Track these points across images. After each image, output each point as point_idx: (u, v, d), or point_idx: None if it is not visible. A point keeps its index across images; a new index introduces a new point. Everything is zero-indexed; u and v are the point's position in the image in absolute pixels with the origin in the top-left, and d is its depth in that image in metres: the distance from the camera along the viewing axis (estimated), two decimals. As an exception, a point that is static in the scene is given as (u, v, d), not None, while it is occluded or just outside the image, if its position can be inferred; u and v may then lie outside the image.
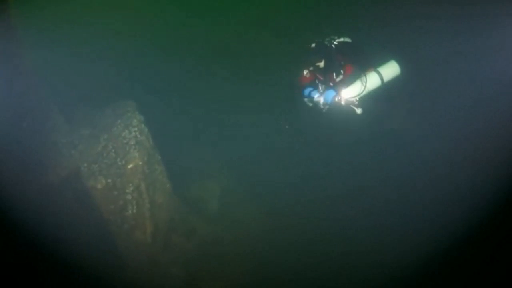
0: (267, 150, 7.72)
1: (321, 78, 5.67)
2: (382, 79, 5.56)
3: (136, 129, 6.05)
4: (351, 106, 5.48)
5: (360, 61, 5.57)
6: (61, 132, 5.99)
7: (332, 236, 7.07)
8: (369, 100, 5.57)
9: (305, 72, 5.65)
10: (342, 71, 5.55)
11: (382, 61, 5.72)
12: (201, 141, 7.13)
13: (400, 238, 6.44)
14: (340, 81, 5.53)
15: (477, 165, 6.11)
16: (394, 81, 5.71)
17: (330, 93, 5.42)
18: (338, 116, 5.53)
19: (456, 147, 6.36)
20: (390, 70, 5.68)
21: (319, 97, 5.53)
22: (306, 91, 5.58)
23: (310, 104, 5.62)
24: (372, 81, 5.50)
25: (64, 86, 5.90)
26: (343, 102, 5.43)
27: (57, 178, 5.76)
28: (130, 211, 5.95)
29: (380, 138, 6.90)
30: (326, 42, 5.65)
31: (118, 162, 5.89)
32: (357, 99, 5.49)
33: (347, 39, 5.75)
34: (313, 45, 5.56)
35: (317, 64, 5.53)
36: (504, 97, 5.92)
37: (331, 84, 5.55)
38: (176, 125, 6.81)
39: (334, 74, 5.55)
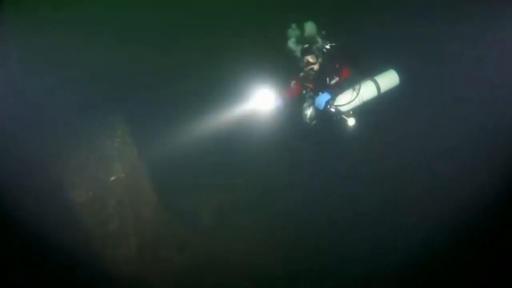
0: (265, 161, 7.43)
1: (311, 86, 5.26)
2: (378, 88, 5.14)
3: (119, 139, 5.86)
4: (343, 116, 5.02)
5: (355, 66, 5.13)
6: (44, 142, 5.81)
7: (332, 249, 6.73)
8: (365, 111, 5.18)
9: (292, 83, 5.29)
10: (335, 75, 5.13)
11: (379, 69, 5.36)
12: (193, 152, 6.84)
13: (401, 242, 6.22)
14: (335, 84, 5.09)
15: (480, 168, 5.83)
16: (393, 91, 5.30)
17: (324, 97, 4.94)
18: (328, 127, 5.17)
19: (459, 151, 6.04)
20: (388, 79, 5.26)
21: (307, 109, 5.15)
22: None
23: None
24: (367, 90, 5.09)
25: (48, 93, 5.71)
26: (333, 110, 4.96)
27: (38, 190, 5.58)
28: (112, 226, 5.72)
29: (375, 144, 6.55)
30: (318, 45, 5.30)
31: (100, 175, 5.67)
32: (350, 108, 5.03)
33: (341, 44, 5.37)
34: (306, 45, 5.23)
35: (311, 67, 5.14)
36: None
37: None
38: (165, 135, 6.55)
39: (328, 78, 5.12)
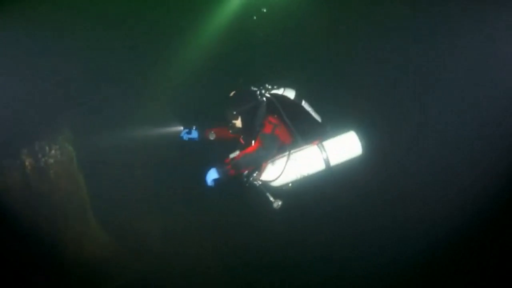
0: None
1: (242, 142, 4.08)
2: (327, 160, 3.74)
3: (58, 147, 5.40)
4: (267, 195, 3.76)
5: (297, 127, 3.85)
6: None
7: (332, 250, 6.51)
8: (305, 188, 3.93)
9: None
10: (253, 141, 3.81)
11: (336, 130, 3.99)
12: (143, 172, 6.53)
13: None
14: (231, 159, 3.70)
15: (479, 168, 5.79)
16: (351, 162, 3.91)
17: (211, 174, 3.55)
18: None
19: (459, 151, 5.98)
20: (344, 146, 3.82)
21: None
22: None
23: None
24: (309, 161, 3.73)
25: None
26: (257, 184, 3.78)
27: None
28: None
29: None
30: (255, 90, 4.00)
31: (32, 183, 5.16)
32: (284, 184, 3.80)
33: (290, 91, 4.02)
34: (232, 93, 3.97)
35: (234, 122, 3.95)
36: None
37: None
38: (116, 150, 6.10)
39: (253, 141, 3.80)
